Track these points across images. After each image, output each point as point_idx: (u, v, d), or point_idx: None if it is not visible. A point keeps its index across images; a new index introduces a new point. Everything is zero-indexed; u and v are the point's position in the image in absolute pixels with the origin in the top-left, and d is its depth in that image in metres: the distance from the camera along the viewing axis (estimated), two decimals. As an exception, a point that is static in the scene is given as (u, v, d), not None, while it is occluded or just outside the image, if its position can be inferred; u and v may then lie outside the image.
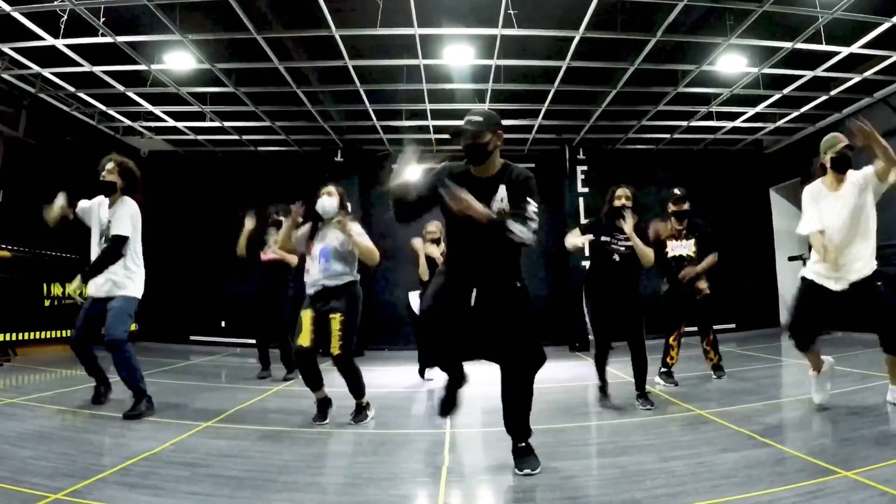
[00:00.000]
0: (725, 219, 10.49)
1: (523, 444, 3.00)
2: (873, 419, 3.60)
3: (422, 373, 6.34)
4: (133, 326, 9.55)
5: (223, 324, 10.31)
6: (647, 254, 4.50)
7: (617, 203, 4.58)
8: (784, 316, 11.13)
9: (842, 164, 3.80)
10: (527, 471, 2.91)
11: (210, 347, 9.71)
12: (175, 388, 5.55)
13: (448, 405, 3.25)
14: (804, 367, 6.31)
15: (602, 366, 4.78)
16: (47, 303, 8.30)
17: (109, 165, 4.44)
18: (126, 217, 4.32)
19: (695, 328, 5.84)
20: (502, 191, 2.88)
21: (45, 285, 8.31)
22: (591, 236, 4.75)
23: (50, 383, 5.65)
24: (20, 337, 7.66)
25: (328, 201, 4.28)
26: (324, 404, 4.30)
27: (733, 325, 10.34)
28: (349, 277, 4.28)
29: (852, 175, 3.81)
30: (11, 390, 5.19)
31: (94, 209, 4.46)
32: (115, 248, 4.27)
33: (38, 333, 7.92)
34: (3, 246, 7.65)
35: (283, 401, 4.72)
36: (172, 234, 10.84)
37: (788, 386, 5.49)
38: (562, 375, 6.14)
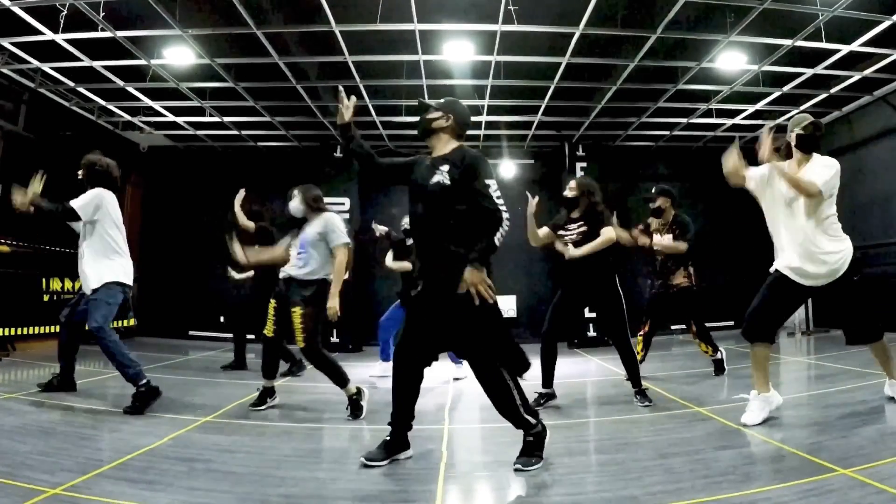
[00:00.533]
0: (724, 216, 10.50)
1: (530, 438, 2.99)
2: (871, 417, 3.60)
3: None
4: (132, 321, 9.54)
5: (222, 319, 10.31)
6: (602, 242, 4.44)
7: (566, 194, 4.67)
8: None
9: (807, 144, 3.55)
10: (517, 466, 2.90)
11: (209, 342, 9.71)
12: (174, 383, 5.54)
13: (389, 450, 3.08)
14: (803, 364, 6.34)
15: (548, 367, 4.62)
16: (46, 297, 8.30)
17: (81, 169, 4.57)
18: (81, 198, 4.36)
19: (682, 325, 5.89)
20: (443, 168, 2.98)
21: (43, 280, 8.31)
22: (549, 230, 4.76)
23: (48, 378, 5.63)
24: (19, 332, 7.65)
25: (292, 204, 4.49)
26: (266, 393, 4.50)
27: (732, 323, 10.34)
28: (318, 275, 4.32)
29: (817, 160, 3.55)
30: (10, 385, 5.19)
31: None
32: (57, 213, 4.30)
33: (36, 328, 7.91)
34: (3, 240, 7.64)
35: (282, 396, 4.71)
36: (171, 228, 10.86)
37: (786, 383, 5.49)
38: (560, 372, 6.13)
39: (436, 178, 2.96)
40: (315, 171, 10.04)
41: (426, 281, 3.00)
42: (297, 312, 4.21)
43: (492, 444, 3.53)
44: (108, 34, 6.27)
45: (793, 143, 3.62)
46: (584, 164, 10.45)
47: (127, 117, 9.37)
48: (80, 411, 4.14)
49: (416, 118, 3.24)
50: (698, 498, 2.43)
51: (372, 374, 6.21)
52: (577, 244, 4.54)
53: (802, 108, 8.94)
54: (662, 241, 5.52)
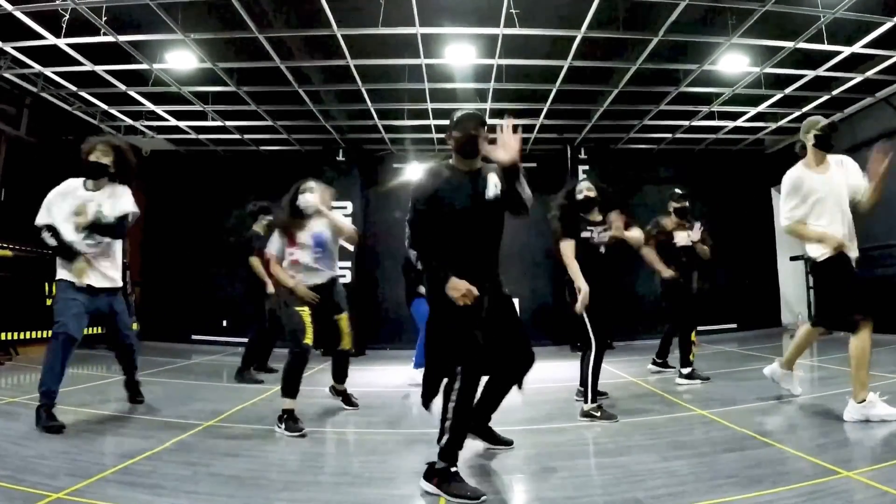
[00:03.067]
0: (727, 219, 10.48)
1: (433, 462, 2.77)
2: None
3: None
4: (134, 326, 9.53)
5: (224, 323, 10.32)
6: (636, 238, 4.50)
7: (583, 195, 4.37)
8: (786, 316, 11.12)
9: (825, 143, 3.80)
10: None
11: (212, 347, 9.72)
12: (176, 388, 5.55)
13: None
14: (805, 367, 6.32)
15: (597, 373, 4.33)
16: (49, 302, 8.31)
17: (102, 147, 3.94)
18: (129, 195, 4.01)
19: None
20: (493, 178, 2.95)
21: (46, 284, 8.32)
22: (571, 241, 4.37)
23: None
24: (22, 336, 7.66)
25: (309, 198, 4.25)
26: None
27: (734, 325, 10.32)
28: (339, 271, 4.43)
29: (834, 158, 3.81)
30: (13, 389, 5.20)
31: (59, 203, 3.89)
32: (122, 226, 3.96)
33: (39, 332, 7.92)
34: (5, 245, 7.66)
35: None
36: (174, 233, 10.88)
37: (790, 386, 5.48)
38: (562, 375, 6.13)
39: (494, 191, 2.94)
40: (317, 174, 10.01)
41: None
42: (344, 318, 4.34)
43: (494, 449, 3.51)
44: (110, 38, 6.29)
45: (811, 144, 3.85)
46: (587, 167, 10.45)
47: (129, 121, 9.40)
48: (82, 416, 4.14)
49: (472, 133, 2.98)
50: (702, 501, 2.42)
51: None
52: (606, 245, 4.34)
53: (804, 109, 8.93)
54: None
